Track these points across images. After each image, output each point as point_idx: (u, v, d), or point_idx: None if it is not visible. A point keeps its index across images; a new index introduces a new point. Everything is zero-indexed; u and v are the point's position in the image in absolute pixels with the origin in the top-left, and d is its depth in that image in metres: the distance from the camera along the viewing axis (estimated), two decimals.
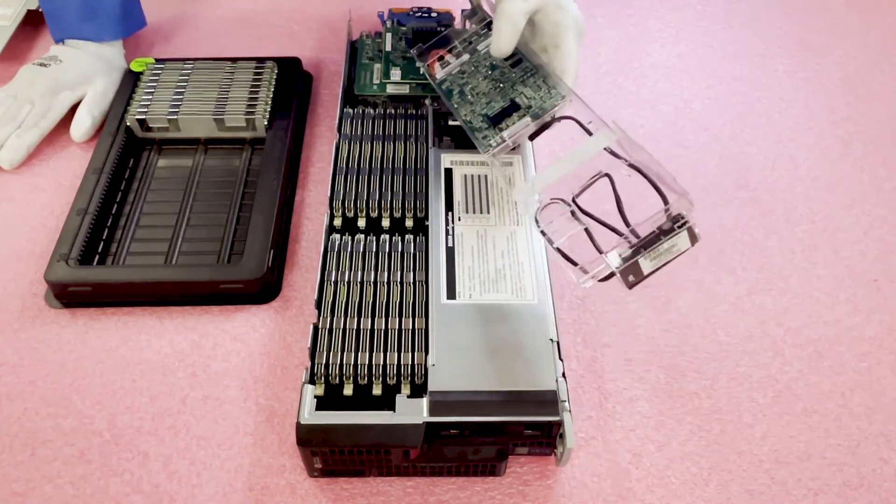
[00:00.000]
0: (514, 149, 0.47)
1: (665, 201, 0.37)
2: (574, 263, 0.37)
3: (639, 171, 0.38)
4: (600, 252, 0.37)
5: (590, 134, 0.42)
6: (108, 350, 0.45)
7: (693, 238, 0.36)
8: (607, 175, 0.40)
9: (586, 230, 0.39)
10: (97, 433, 0.42)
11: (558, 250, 0.38)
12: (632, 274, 0.36)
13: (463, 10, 0.57)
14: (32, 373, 0.44)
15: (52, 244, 0.47)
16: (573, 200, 0.40)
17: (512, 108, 0.45)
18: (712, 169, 0.55)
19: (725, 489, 0.40)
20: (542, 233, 0.39)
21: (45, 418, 0.42)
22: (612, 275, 0.37)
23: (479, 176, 0.48)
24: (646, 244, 0.36)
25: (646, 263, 0.36)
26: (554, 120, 0.44)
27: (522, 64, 0.47)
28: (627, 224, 0.37)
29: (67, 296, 0.47)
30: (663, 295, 0.48)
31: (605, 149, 0.40)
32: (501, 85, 0.47)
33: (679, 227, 0.36)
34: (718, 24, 0.67)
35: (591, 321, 0.47)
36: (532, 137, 0.45)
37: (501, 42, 0.45)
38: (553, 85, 0.45)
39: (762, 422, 0.43)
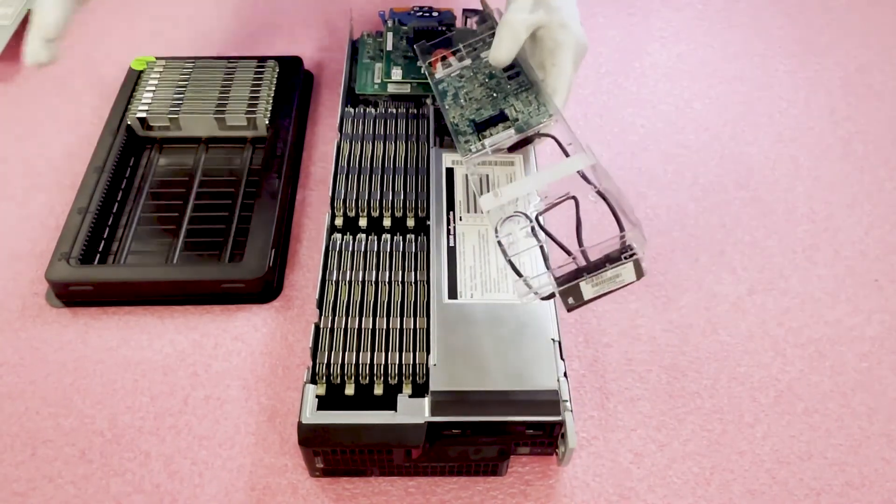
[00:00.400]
0: (511, 150, 0.47)
1: (622, 229, 0.38)
2: (520, 276, 0.38)
3: (604, 198, 0.39)
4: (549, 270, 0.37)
5: (567, 155, 0.42)
6: (109, 349, 0.45)
7: (639, 272, 0.36)
8: (573, 197, 0.40)
9: (541, 248, 0.39)
10: (98, 433, 0.42)
11: (509, 262, 0.38)
12: (571, 297, 0.36)
13: (465, 10, 0.57)
14: (33, 372, 0.44)
15: (53, 243, 0.47)
16: (536, 217, 0.40)
17: (499, 118, 0.45)
18: (713, 169, 0.55)
19: (727, 489, 0.40)
20: (499, 243, 0.39)
21: (45, 418, 0.42)
22: (553, 294, 0.37)
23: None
24: (590, 269, 0.36)
25: (587, 289, 0.36)
26: (536, 136, 0.45)
27: (519, 77, 0.47)
28: (581, 246, 0.38)
29: (68, 295, 0.47)
30: (664, 295, 0.48)
31: (578, 172, 0.40)
32: (495, 94, 0.47)
33: (626, 259, 0.36)
34: (719, 23, 0.67)
35: (592, 321, 0.47)
36: (511, 150, 0.45)
37: (500, 51, 0.44)
38: (543, 102, 0.45)
39: (763, 421, 0.43)
